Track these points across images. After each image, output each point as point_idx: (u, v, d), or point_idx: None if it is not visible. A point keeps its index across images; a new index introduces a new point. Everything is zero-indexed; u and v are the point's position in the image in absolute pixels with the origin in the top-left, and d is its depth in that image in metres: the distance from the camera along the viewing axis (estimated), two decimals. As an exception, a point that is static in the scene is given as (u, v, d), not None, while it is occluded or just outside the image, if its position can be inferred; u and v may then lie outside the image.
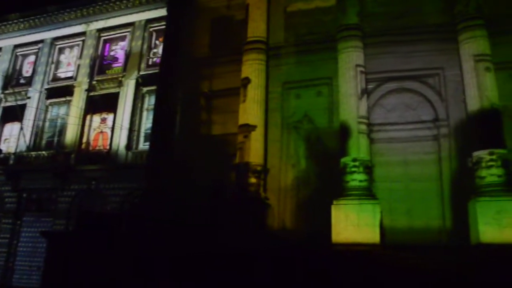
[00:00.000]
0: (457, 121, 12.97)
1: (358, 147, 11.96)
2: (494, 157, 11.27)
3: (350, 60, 12.92)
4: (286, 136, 14.42)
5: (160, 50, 21.15)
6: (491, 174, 11.18)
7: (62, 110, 23.59)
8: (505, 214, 10.42)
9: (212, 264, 10.89)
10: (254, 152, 13.34)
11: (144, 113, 21.39)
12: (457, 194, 12.49)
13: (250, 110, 13.75)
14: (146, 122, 21.05)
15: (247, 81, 14.03)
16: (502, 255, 9.64)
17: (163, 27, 19.10)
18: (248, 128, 13.61)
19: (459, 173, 12.72)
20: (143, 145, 20.70)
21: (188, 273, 10.98)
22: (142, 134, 21.06)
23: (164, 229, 12.10)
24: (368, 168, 11.98)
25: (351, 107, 12.50)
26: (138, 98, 21.56)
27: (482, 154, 11.43)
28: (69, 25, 24.71)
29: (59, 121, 23.58)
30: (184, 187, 13.99)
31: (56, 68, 25.02)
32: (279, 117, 14.53)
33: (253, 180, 13.07)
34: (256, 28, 14.71)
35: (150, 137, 17.15)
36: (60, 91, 23.73)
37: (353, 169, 11.73)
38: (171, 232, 12.00)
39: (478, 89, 11.91)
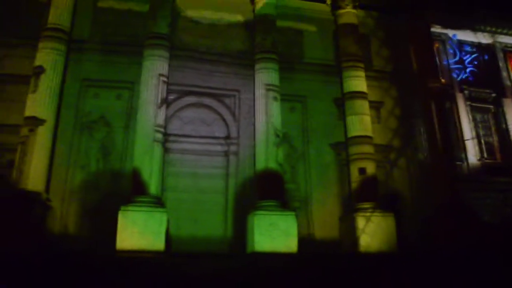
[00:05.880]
0: (246, 141, 14.21)
1: (152, 155, 11.88)
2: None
3: (154, 68, 12.74)
4: (78, 136, 13.58)
5: None
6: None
7: None
8: (276, 227, 11.72)
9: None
10: (39, 148, 12.06)
11: None
12: (239, 207, 13.63)
13: (41, 102, 12.28)
14: None
15: (40, 70, 12.45)
16: (268, 261, 10.88)
17: None
18: (35, 122, 12.03)
19: (242, 188, 13.97)
20: None
21: None
22: None
23: None
24: (160, 177, 11.98)
25: (150, 115, 12.29)
26: None
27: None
28: None
29: None
30: None
31: None
32: (72, 115, 13.61)
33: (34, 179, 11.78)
34: (59, 15, 13.35)
35: None
36: None
37: (145, 177, 11.65)
38: None
39: (266, 114, 13.08)
